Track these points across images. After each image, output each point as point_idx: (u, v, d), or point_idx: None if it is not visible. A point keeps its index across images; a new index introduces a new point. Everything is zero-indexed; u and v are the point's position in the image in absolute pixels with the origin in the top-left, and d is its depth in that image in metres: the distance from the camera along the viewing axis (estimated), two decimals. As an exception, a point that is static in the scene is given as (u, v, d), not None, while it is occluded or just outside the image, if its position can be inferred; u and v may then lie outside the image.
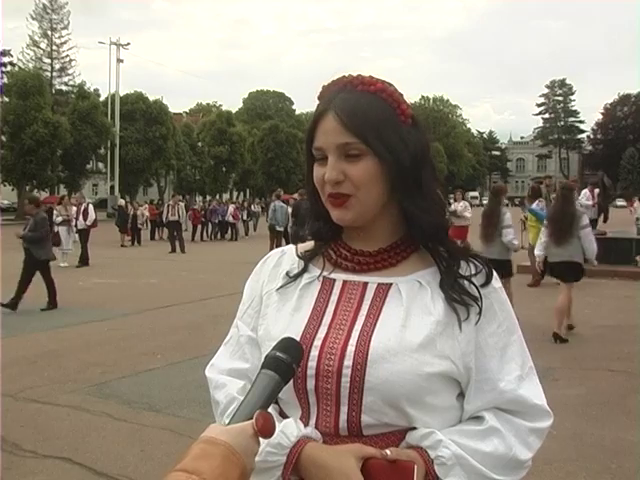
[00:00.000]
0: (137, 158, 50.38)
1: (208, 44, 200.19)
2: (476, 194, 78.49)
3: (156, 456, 4.08)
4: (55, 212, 16.26)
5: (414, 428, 1.09)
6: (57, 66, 53.11)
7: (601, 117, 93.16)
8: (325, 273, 1.20)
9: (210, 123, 58.51)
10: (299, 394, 1.12)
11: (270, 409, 0.98)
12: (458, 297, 1.12)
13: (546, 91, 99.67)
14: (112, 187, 50.51)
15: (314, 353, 1.10)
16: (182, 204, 22.50)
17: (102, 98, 51.51)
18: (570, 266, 7.09)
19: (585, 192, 14.94)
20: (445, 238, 1.17)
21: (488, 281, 1.16)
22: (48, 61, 52.75)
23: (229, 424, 0.95)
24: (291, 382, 1.05)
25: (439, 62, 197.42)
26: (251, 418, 0.93)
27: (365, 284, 1.16)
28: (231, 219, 26.01)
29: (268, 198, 45.80)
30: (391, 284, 1.15)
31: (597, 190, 15.74)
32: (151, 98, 53.44)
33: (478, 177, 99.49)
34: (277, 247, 1.44)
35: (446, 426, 1.11)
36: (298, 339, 1.09)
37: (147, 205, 29.14)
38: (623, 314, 8.50)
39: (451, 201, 13.82)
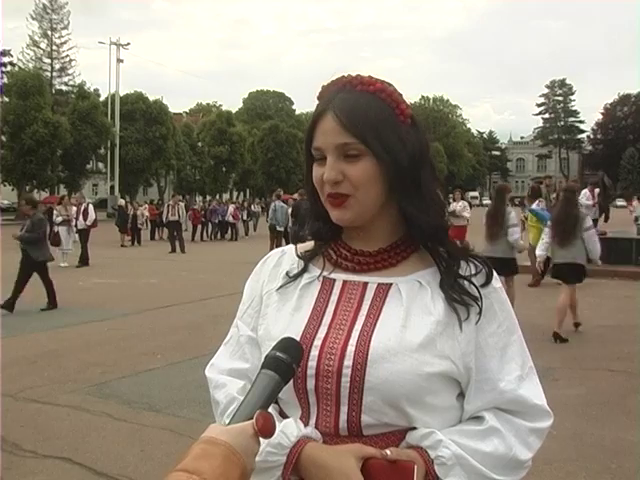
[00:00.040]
0: (137, 158, 50.39)
1: (208, 44, 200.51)
2: (476, 194, 78.59)
3: (156, 456, 4.08)
4: (55, 212, 16.27)
5: (414, 428, 1.09)
6: (57, 66, 53.17)
7: (601, 117, 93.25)
8: (325, 273, 1.20)
9: (210, 123, 58.51)
10: (299, 394, 1.12)
11: (270, 409, 0.98)
12: (458, 297, 1.12)
13: (546, 91, 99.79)
14: (112, 187, 50.53)
15: (314, 353, 1.10)
16: (182, 204, 22.51)
17: (102, 98, 51.53)
18: (573, 267, 7.12)
19: (585, 192, 14.94)
20: (445, 238, 1.17)
21: (488, 281, 1.16)
22: (48, 61, 52.81)
23: (229, 424, 0.95)
24: (291, 382, 1.05)
25: (439, 62, 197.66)
26: (251, 418, 0.93)
27: (365, 284, 1.16)
28: (231, 219, 26.01)
29: (268, 198, 45.81)
30: (391, 284, 1.15)
31: (597, 190, 15.75)
32: (151, 98, 53.48)
33: (478, 177, 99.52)
34: (277, 247, 1.44)
35: (446, 426, 1.11)
36: (298, 339, 1.09)
37: (147, 205, 29.15)
38: (623, 314, 8.50)
39: (450, 201, 13.84)
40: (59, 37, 52.94)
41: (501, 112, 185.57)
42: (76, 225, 15.91)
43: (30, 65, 50.54)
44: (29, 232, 9.35)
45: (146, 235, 25.15)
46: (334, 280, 1.19)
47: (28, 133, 40.82)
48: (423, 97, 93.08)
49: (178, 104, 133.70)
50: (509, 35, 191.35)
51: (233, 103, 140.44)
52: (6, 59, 50.56)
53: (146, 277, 13.35)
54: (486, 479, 1.09)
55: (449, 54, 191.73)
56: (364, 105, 1.10)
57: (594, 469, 3.89)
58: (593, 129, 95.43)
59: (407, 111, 1.14)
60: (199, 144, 59.39)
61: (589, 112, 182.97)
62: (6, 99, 42.26)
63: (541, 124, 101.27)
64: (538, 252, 7.65)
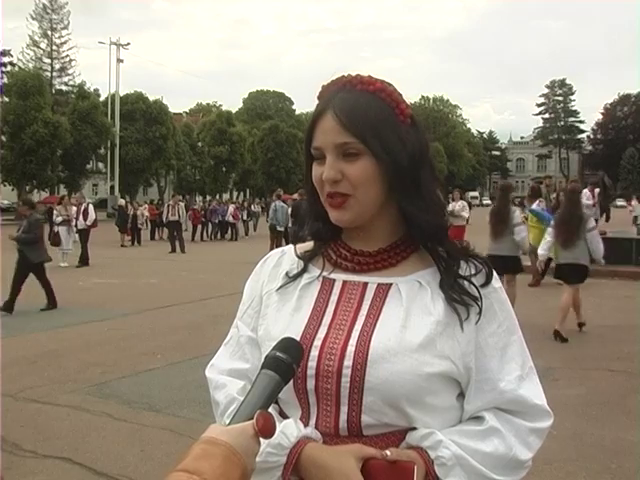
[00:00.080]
0: (137, 158, 50.41)
1: (208, 44, 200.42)
2: (476, 194, 78.58)
3: (156, 456, 4.08)
4: (55, 212, 16.29)
5: (414, 428, 1.09)
6: (57, 66, 53.26)
7: (601, 117, 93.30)
8: (325, 273, 1.20)
9: (210, 123, 58.54)
10: (299, 394, 1.12)
11: (270, 409, 0.98)
12: (458, 297, 1.12)
13: (546, 91, 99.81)
14: (112, 187, 50.55)
15: (314, 353, 1.10)
16: (182, 204, 22.52)
17: (102, 98, 51.57)
18: (575, 268, 7.16)
19: (585, 192, 14.95)
20: (444, 238, 1.17)
21: (488, 281, 1.16)
22: (48, 61, 52.88)
23: (229, 424, 0.95)
24: (291, 382, 1.05)
25: (439, 62, 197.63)
26: (251, 418, 0.93)
27: (365, 284, 1.16)
28: (231, 219, 26.01)
29: (268, 198, 45.81)
30: (391, 284, 1.15)
31: (597, 190, 15.76)
32: (151, 98, 53.53)
33: (478, 177, 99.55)
34: (277, 247, 1.44)
35: (446, 426, 1.11)
36: (298, 339, 1.09)
37: (147, 205, 29.15)
38: (623, 314, 8.50)
39: (449, 201, 13.85)
40: (59, 37, 53.07)
41: (501, 112, 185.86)
42: (76, 225, 15.91)
43: (30, 65, 50.64)
44: (26, 233, 9.34)
45: (146, 235, 25.15)
46: (334, 280, 1.19)
47: (28, 133, 40.85)
48: (423, 97, 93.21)
49: (178, 104, 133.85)
50: (509, 35, 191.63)
51: (233, 103, 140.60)
52: (6, 59, 50.62)
53: (146, 277, 13.35)
54: (486, 479, 1.09)
55: (449, 54, 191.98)
56: (364, 105, 1.10)
57: (594, 469, 3.89)
58: (593, 129, 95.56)
59: (407, 111, 1.14)
60: (199, 144, 59.41)
61: (589, 112, 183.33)
62: (6, 99, 42.28)
63: (541, 124, 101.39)
64: (540, 251, 7.68)
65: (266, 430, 0.93)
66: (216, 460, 0.88)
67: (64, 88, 53.64)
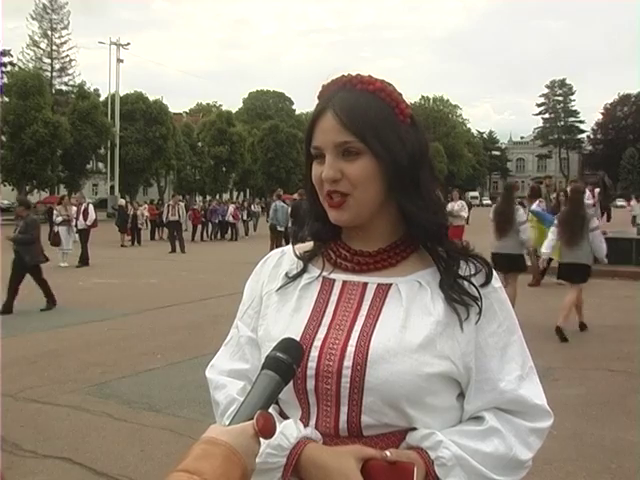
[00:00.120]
0: (137, 158, 50.38)
1: (208, 44, 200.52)
2: (476, 194, 78.63)
3: (156, 456, 4.08)
4: (55, 212, 16.28)
5: (414, 428, 1.09)
6: (57, 66, 53.24)
7: (601, 117, 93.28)
8: (325, 273, 1.20)
9: (210, 123, 58.51)
10: (299, 394, 1.12)
11: (270, 409, 0.98)
12: (458, 297, 1.11)
13: (546, 91, 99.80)
14: (112, 187, 50.53)
15: (314, 353, 1.10)
16: (182, 204, 22.51)
17: (102, 98, 51.54)
18: (578, 267, 7.21)
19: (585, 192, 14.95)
20: (444, 238, 1.17)
21: (488, 281, 1.16)
22: (48, 61, 52.86)
23: (230, 425, 0.95)
24: (291, 382, 1.05)
25: (439, 62, 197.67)
26: (252, 418, 0.93)
27: (365, 284, 1.16)
28: (231, 219, 26.01)
29: (268, 198, 45.79)
30: (391, 284, 1.15)
31: (597, 190, 15.77)
32: (151, 98, 53.48)
33: (478, 177, 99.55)
34: (277, 247, 1.44)
35: (446, 426, 1.11)
36: (298, 339, 1.09)
37: (147, 205, 29.15)
38: (623, 314, 8.50)
39: (448, 200, 13.86)
40: (59, 37, 53.05)
41: (501, 112, 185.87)
42: (76, 225, 15.90)
43: (30, 65, 50.62)
44: (22, 233, 9.34)
45: (146, 235, 25.15)
46: (334, 280, 1.18)
47: (28, 133, 40.83)
48: (423, 97, 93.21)
49: (178, 104, 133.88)
50: (509, 35, 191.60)
51: (233, 103, 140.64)
52: (6, 59, 50.63)
53: (146, 277, 13.35)
54: (486, 479, 1.09)
55: (449, 54, 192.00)
56: (364, 104, 1.10)
57: (594, 469, 3.89)
58: (593, 129, 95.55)
59: (407, 111, 1.14)
60: (199, 144, 59.39)
61: (589, 112, 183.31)
62: (6, 99, 42.27)
63: (541, 124, 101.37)
64: (544, 250, 7.72)
65: (266, 430, 0.93)
66: (216, 460, 0.88)
67: (64, 88, 53.66)
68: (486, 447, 1.09)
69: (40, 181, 43.78)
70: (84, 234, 15.90)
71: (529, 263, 10.69)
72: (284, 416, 1.16)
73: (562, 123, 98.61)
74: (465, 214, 13.54)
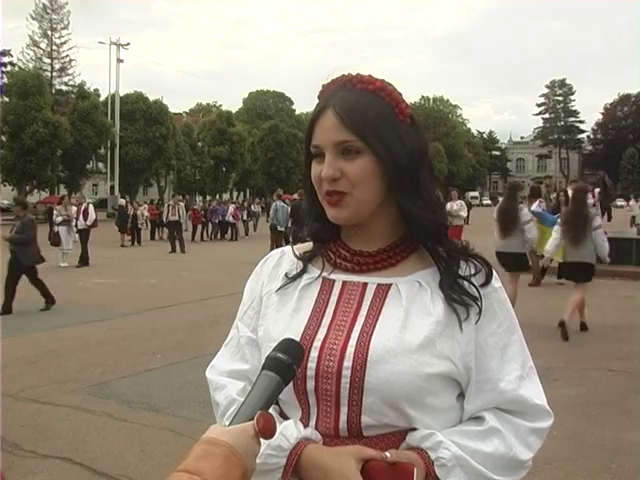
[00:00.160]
0: (137, 158, 50.38)
1: (208, 44, 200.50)
2: (476, 194, 78.63)
3: (156, 456, 4.08)
4: (55, 212, 16.27)
5: (414, 429, 1.09)
6: (57, 66, 53.25)
7: (601, 117, 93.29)
8: (324, 274, 1.19)
9: (210, 123, 58.50)
10: (299, 395, 1.12)
11: (271, 410, 0.98)
12: (458, 297, 1.11)
13: (546, 91, 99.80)
14: (112, 187, 50.53)
15: (314, 354, 1.10)
16: (182, 204, 22.51)
17: (102, 98, 51.54)
18: (581, 266, 7.24)
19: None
20: (444, 238, 1.17)
21: (488, 281, 1.15)
22: (48, 61, 52.88)
23: (230, 425, 0.95)
24: (291, 383, 1.04)
25: (439, 62, 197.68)
26: (252, 419, 0.93)
27: (365, 284, 1.16)
28: (231, 219, 26.00)
29: (268, 198, 45.79)
30: (391, 284, 1.15)
31: (597, 189, 15.78)
32: (151, 98, 53.48)
33: (478, 177, 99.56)
34: (278, 247, 1.44)
35: (446, 427, 1.11)
36: (298, 340, 1.08)
37: (147, 205, 29.15)
38: (623, 314, 8.50)
39: (447, 200, 13.88)
40: (59, 37, 53.07)
41: (501, 112, 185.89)
42: (76, 225, 15.90)
43: (30, 65, 50.63)
44: (19, 233, 9.34)
45: (146, 235, 25.15)
46: (333, 281, 1.18)
47: (28, 133, 40.84)
48: (423, 97, 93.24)
49: (178, 104, 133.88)
50: (509, 35, 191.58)
51: (233, 103, 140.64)
52: (6, 59, 50.63)
53: (146, 277, 13.35)
54: (486, 479, 1.09)
55: (449, 54, 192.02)
56: (364, 103, 1.10)
57: (594, 469, 3.89)
58: (593, 129, 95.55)
59: (406, 110, 1.14)
60: (199, 144, 59.38)
61: (589, 112, 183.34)
62: (6, 99, 42.29)
63: (541, 124, 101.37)
64: (548, 248, 7.74)
65: (266, 431, 0.93)
66: (217, 460, 0.88)
67: (64, 88, 53.67)
68: (486, 447, 1.09)
69: (40, 181, 43.80)
70: (84, 234, 15.90)
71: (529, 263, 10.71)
72: (284, 416, 1.16)
73: (562, 123, 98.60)
74: (464, 214, 13.56)
